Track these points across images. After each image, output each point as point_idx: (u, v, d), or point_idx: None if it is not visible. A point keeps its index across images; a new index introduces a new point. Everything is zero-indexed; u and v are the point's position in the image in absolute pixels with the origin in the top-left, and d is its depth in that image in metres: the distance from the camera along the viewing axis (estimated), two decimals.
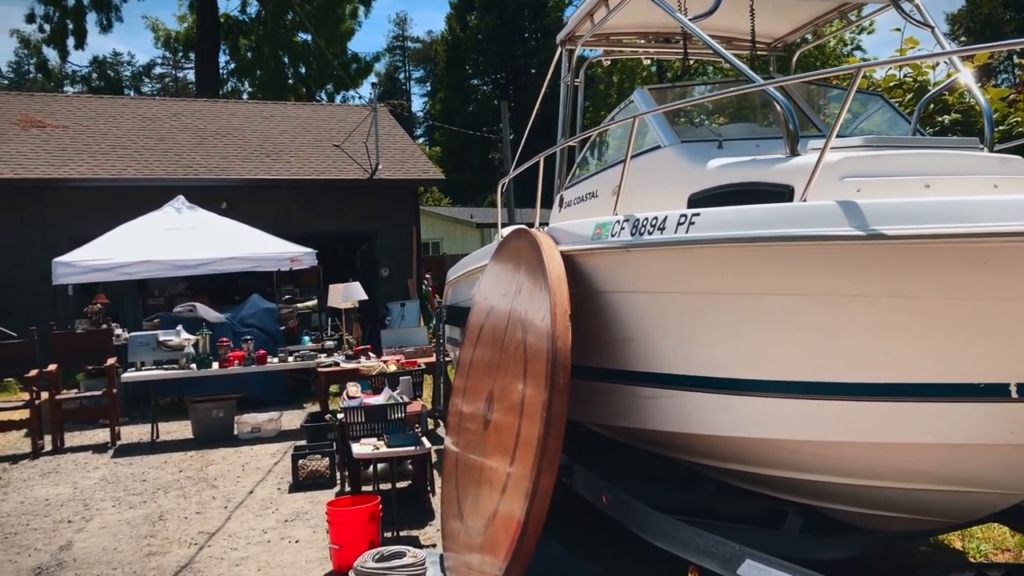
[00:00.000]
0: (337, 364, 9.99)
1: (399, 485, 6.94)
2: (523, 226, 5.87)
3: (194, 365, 9.89)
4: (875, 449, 3.52)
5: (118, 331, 11.80)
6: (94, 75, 38.67)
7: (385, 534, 5.78)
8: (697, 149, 4.87)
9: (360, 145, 19.67)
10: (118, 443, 9.67)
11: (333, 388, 10.22)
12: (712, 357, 3.89)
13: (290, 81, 36.05)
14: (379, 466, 6.71)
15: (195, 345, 10.05)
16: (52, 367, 9.88)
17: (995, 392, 3.12)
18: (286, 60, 35.98)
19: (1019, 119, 7.45)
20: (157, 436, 9.73)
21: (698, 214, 3.71)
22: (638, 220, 4.06)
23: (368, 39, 75.64)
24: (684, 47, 6.32)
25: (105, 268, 11.31)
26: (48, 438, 9.53)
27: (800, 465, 3.89)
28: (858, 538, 4.19)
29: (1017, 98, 7.90)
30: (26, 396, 9.67)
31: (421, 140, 56.78)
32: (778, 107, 4.35)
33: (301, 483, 7.45)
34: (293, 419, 10.33)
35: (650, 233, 3.93)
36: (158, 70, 54.59)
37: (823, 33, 7.01)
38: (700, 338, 3.94)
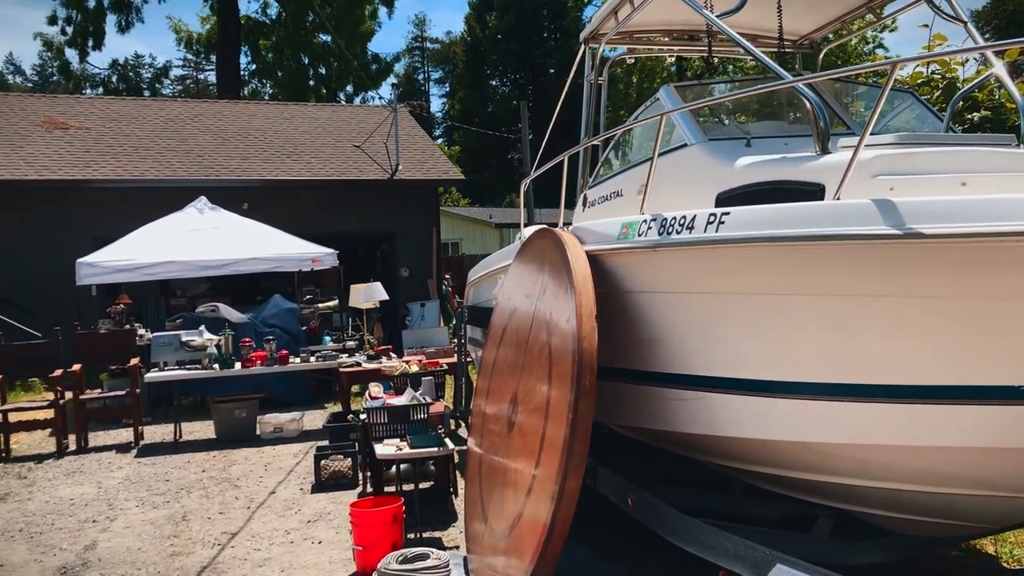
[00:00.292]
0: (359, 364, 9.99)
1: (421, 486, 6.91)
2: (547, 226, 5.83)
3: (217, 365, 9.92)
4: (909, 453, 3.44)
5: (141, 331, 11.86)
6: (113, 78, 38.96)
7: (408, 535, 5.75)
8: (725, 147, 4.81)
9: (380, 146, 19.68)
10: (141, 443, 9.71)
11: (354, 388, 10.21)
12: (742, 358, 3.83)
13: (311, 82, 36.19)
14: (402, 467, 6.69)
15: (218, 345, 10.08)
16: (76, 367, 9.95)
17: None
18: (306, 61, 36.13)
19: None
20: (180, 436, 9.76)
21: (728, 213, 3.65)
22: (666, 219, 4.00)
23: (388, 40, 76.12)
24: (709, 44, 6.25)
25: (128, 269, 11.37)
26: (72, 438, 9.58)
27: (831, 468, 3.82)
28: (890, 543, 4.12)
29: None
30: (51, 396, 9.74)
31: (440, 140, 56.86)
32: (808, 104, 4.28)
33: (323, 483, 7.44)
34: (315, 419, 10.34)
35: (678, 232, 3.88)
36: (179, 72, 55.05)
37: (850, 30, 6.90)
38: (729, 339, 3.88)
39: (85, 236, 14.77)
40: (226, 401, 9.82)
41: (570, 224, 5.73)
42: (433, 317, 17.41)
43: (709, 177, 4.68)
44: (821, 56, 7.31)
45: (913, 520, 3.89)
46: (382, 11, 37.25)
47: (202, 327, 10.71)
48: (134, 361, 10.22)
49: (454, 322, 12.79)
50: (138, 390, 9.96)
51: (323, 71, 36.52)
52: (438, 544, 5.81)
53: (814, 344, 3.50)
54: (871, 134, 3.42)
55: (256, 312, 12.42)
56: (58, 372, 9.62)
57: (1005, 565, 5.06)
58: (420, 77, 71.37)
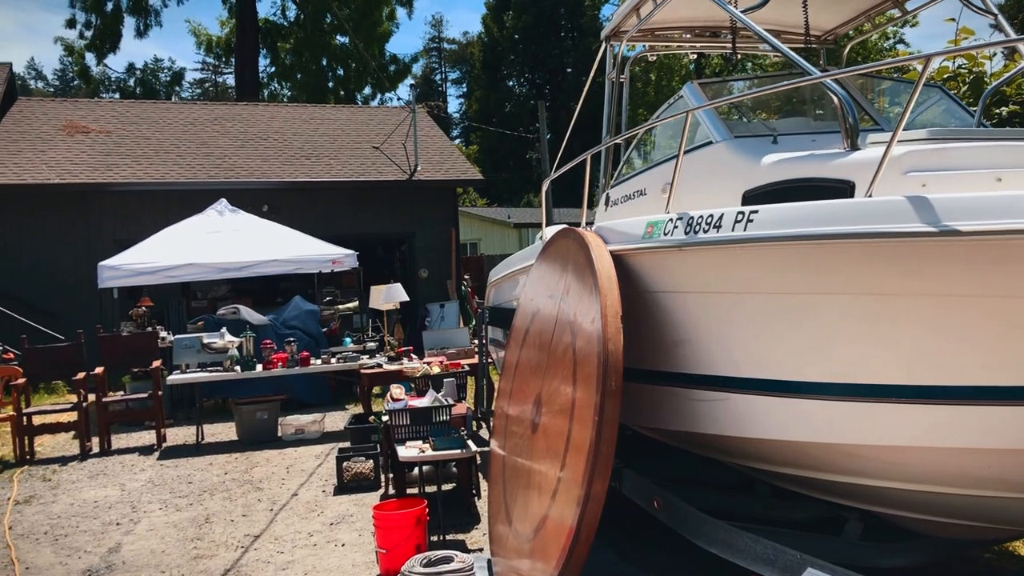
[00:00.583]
0: (380, 366, 9.97)
1: (444, 488, 6.87)
2: (569, 226, 5.78)
3: (238, 367, 9.94)
4: (942, 454, 3.37)
5: (163, 334, 11.91)
6: (130, 82, 39.26)
7: (431, 538, 5.71)
8: (751, 144, 4.75)
9: (399, 147, 19.70)
10: (164, 445, 9.75)
11: (376, 390, 10.20)
12: (770, 359, 3.76)
13: (330, 84, 36.31)
14: (424, 469, 6.66)
15: (239, 347, 10.11)
16: (99, 370, 10.00)
17: None
18: (325, 63, 36.25)
19: None
20: (202, 438, 9.78)
21: (756, 211, 3.59)
22: (692, 218, 3.94)
23: (405, 41, 76.37)
24: (733, 41, 6.18)
25: (150, 271, 11.42)
26: (96, 440, 9.63)
27: (862, 470, 3.75)
28: (922, 545, 4.05)
29: None
30: (74, 398, 9.79)
31: (458, 141, 56.92)
32: (836, 100, 4.21)
33: (346, 485, 7.42)
34: (336, 421, 10.34)
35: (705, 231, 3.82)
36: (198, 75, 55.39)
37: (875, 25, 6.81)
38: (758, 339, 3.81)
39: (107, 239, 14.89)
40: (248, 403, 9.84)
41: (592, 224, 5.68)
42: (452, 318, 17.39)
43: (735, 175, 4.62)
44: (846, 51, 7.22)
45: (944, 523, 3.81)
46: (400, 12, 37.39)
47: (223, 329, 10.74)
48: (156, 363, 10.26)
49: (473, 323, 12.75)
50: (160, 392, 9.99)
51: (341, 73, 36.63)
52: (461, 547, 5.78)
53: (845, 344, 3.43)
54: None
55: (277, 314, 12.45)
56: (81, 375, 9.67)
57: None
58: (438, 78, 71.53)
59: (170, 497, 7.48)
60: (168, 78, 44.47)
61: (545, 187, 8.15)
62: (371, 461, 7.53)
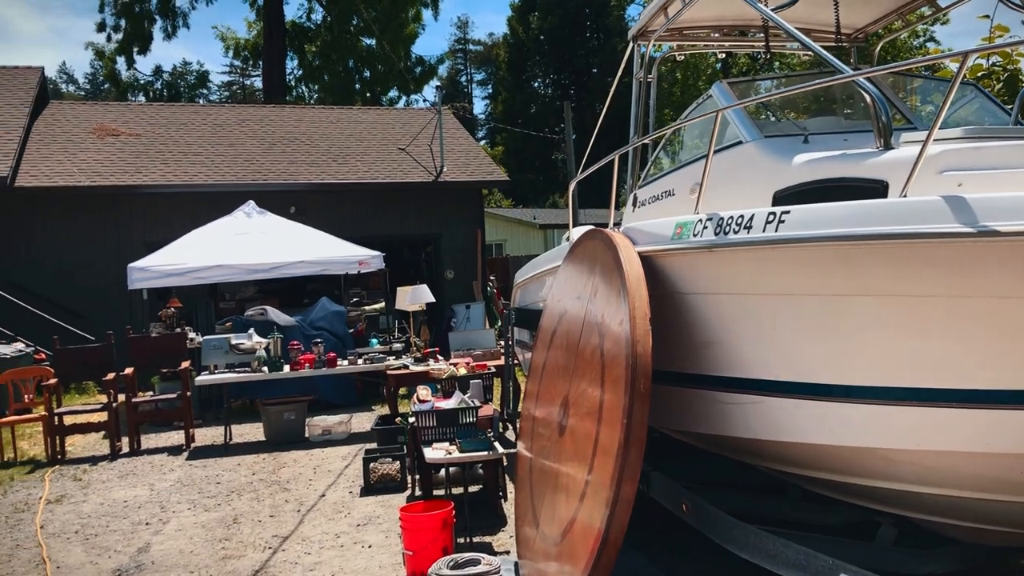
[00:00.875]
0: (406, 367, 9.98)
1: (470, 490, 6.86)
2: (596, 226, 5.74)
3: (266, 368, 9.99)
4: (981, 459, 3.30)
5: (192, 335, 12.01)
6: (157, 85, 39.71)
7: (458, 540, 5.70)
8: (781, 144, 4.69)
9: (425, 148, 19.75)
10: (192, 445, 9.82)
11: (402, 391, 10.21)
12: (803, 361, 3.71)
13: (356, 86, 36.49)
14: (450, 470, 6.65)
15: (267, 348, 10.16)
16: (128, 370, 10.10)
17: None
18: (351, 65, 36.44)
19: None
20: (230, 438, 9.85)
21: (788, 211, 3.54)
22: (722, 219, 3.89)
23: (430, 43, 76.59)
24: (766, 40, 6.11)
25: (178, 273, 11.52)
26: (125, 440, 9.72)
27: (897, 475, 3.69)
28: (955, 551, 3.98)
29: None
30: (104, 399, 9.89)
31: (483, 142, 57.00)
32: (868, 99, 4.15)
33: (372, 487, 7.43)
34: (363, 421, 10.36)
35: (736, 232, 3.77)
36: (226, 78, 55.85)
37: (907, 22, 6.71)
38: (789, 342, 3.76)
39: (136, 241, 15.06)
40: (275, 403, 9.89)
41: (620, 225, 5.65)
42: (478, 319, 17.39)
43: (765, 175, 4.57)
44: (877, 49, 7.13)
45: (982, 529, 3.74)
46: (426, 14, 37.52)
47: (251, 330, 10.81)
48: (185, 364, 10.34)
49: (499, 324, 12.75)
50: (189, 393, 10.07)
51: (368, 75, 36.80)
52: (488, 549, 5.76)
53: (880, 347, 3.37)
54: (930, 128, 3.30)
55: (304, 315, 12.51)
56: (111, 375, 9.76)
57: None
58: (463, 79, 71.66)
59: (199, 497, 7.53)
60: (194, 80, 44.86)
61: (572, 188, 8.12)
62: (398, 462, 7.53)
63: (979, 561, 4.17)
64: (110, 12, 34.15)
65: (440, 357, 10.37)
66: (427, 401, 6.88)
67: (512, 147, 50.91)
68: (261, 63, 37.66)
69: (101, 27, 34.79)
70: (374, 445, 8.09)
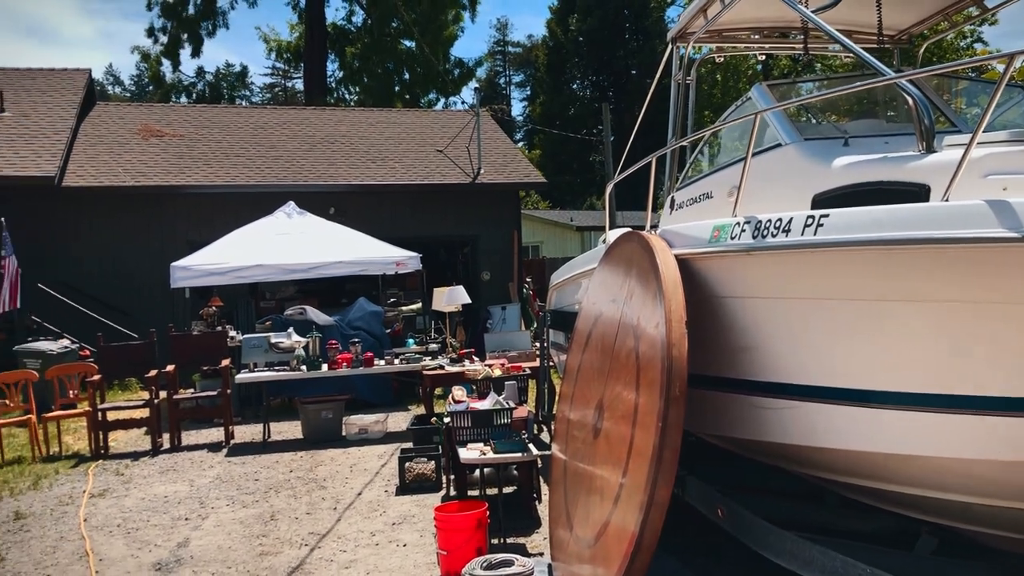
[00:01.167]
0: (442, 367, 10.03)
1: (505, 491, 6.87)
2: (633, 229, 5.73)
3: (304, 367, 10.11)
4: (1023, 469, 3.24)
5: (232, 333, 12.17)
6: (200, 86, 40.33)
7: (492, 541, 5.71)
8: (821, 147, 4.64)
9: (463, 150, 19.82)
10: (232, 442, 9.95)
11: (437, 391, 10.26)
12: (841, 367, 3.67)
13: (395, 88, 36.73)
14: (485, 471, 6.66)
15: (305, 347, 10.27)
16: (170, 368, 10.26)
17: None
18: (391, 67, 36.69)
19: None
20: (268, 436, 9.97)
21: (827, 215, 3.50)
22: (760, 222, 3.86)
23: (469, 45, 76.88)
24: (805, 42, 6.06)
25: (220, 272, 11.68)
26: (166, 436, 9.88)
27: (937, 483, 3.63)
28: (1000, 563, 3.90)
29: None
30: (146, 395, 10.06)
31: (520, 144, 57.04)
32: (910, 101, 4.09)
33: (407, 486, 7.48)
34: (399, 421, 10.43)
35: (774, 235, 3.74)
36: (268, 79, 56.56)
37: (952, 23, 6.60)
38: (828, 347, 3.72)
39: (179, 240, 15.26)
40: (313, 402, 9.99)
41: (657, 227, 5.63)
42: (514, 320, 17.39)
43: (805, 178, 4.52)
44: (922, 51, 7.02)
45: (1022, 539, 3.67)
46: (465, 15, 37.64)
47: (290, 329, 10.92)
48: (225, 362, 10.49)
49: (535, 325, 12.75)
50: (229, 391, 10.21)
51: (407, 77, 37.02)
52: (522, 550, 5.77)
53: (921, 353, 3.33)
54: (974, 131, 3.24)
55: (342, 315, 12.62)
56: (153, 372, 9.93)
57: None
58: (502, 81, 71.79)
59: (237, 494, 7.63)
60: (234, 79, 45.46)
61: (609, 190, 8.10)
62: (433, 462, 7.57)
63: (1020, 573, 4.10)
64: (157, 14, 34.81)
65: (476, 358, 10.40)
66: (462, 402, 6.92)
67: (550, 149, 50.86)
68: (303, 65, 38.06)
69: (150, 32, 35.48)
70: (410, 445, 8.14)
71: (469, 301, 11.78)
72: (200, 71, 40.61)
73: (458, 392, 7.32)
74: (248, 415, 11.40)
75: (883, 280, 3.32)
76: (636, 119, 7.51)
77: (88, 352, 12.52)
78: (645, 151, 6.05)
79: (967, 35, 26.25)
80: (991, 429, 3.20)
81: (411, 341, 11.76)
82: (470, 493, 6.59)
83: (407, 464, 7.57)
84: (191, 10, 34.69)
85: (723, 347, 4.39)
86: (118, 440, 10.30)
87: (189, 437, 10.32)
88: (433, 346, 11.37)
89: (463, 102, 37.81)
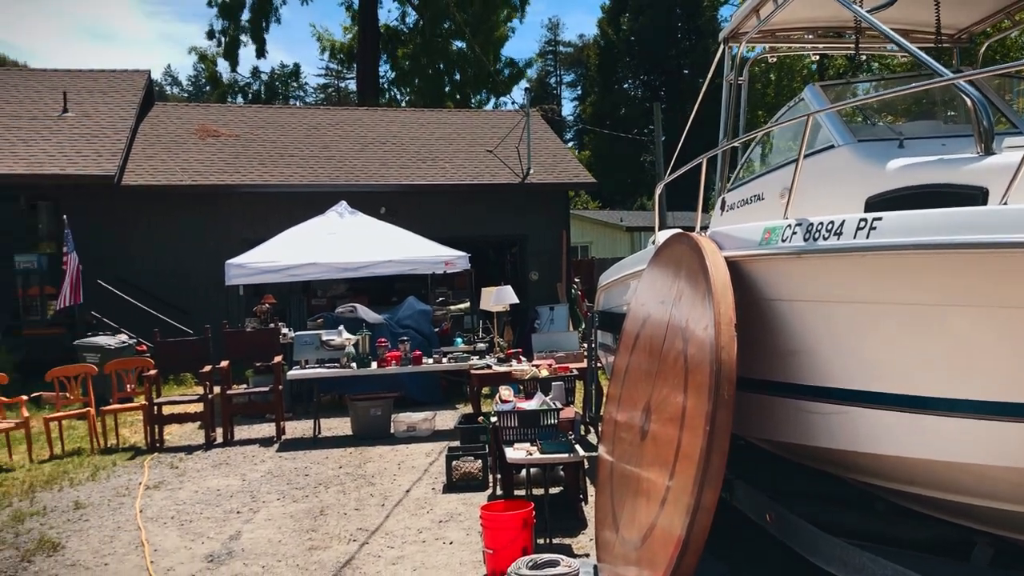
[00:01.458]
0: (489, 367, 10.07)
1: (551, 491, 6.88)
2: (683, 230, 5.70)
3: (354, 364, 10.22)
4: None
5: (284, 330, 12.36)
6: (255, 86, 41.11)
7: (538, 540, 5.73)
8: (876, 148, 4.57)
9: (512, 150, 19.86)
10: (283, 437, 10.10)
11: (485, 390, 10.31)
12: (893, 372, 3.60)
13: (446, 88, 36.96)
14: (531, 471, 6.68)
15: (355, 345, 10.39)
16: (224, 363, 10.46)
17: None
18: (442, 68, 36.93)
19: None
20: (319, 432, 10.11)
21: (880, 218, 3.45)
22: (812, 224, 3.82)
23: (521, 45, 76.94)
24: (856, 42, 5.96)
25: (273, 270, 11.86)
26: (219, 431, 10.07)
27: (993, 493, 3.55)
28: None
29: None
30: (200, 390, 10.28)
31: (571, 144, 56.95)
32: (969, 102, 4.00)
33: (454, 484, 7.52)
34: (446, 419, 10.49)
35: (825, 238, 3.69)
36: (321, 79, 57.31)
37: (1015, 22, 6.44)
38: (880, 352, 3.66)
39: (234, 238, 15.55)
40: (362, 399, 10.10)
41: (707, 228, 5.59)
42: (562, 321, 17.39)
43: (858, 180, 4.46)
44: (982, 50, 6.86)
45: None
46: (517, 15, 37.74)
47: (341, 327, 11.06)
48: (277, 359, 10.66)
49: (583, 326, 12.73)
50: (281, 387, 10.37)
51: (458, 77, 37.23)
52: (568, 551, 5.77)
53: (977, 360, 3.26)
54: None
55: (392, 313, 12.73)
56: (207, 368, 10.13)
57: None
58: (552, 81, 71.76)
59: (287, 488, 7.76)
60: (287, 78, 46.20)
61: (659, 190, 8.06)
62: (479, 461, 7.60)
63: None
64: (216, 15, 35.56)
65: (523, 358, 10.42)
66: (509, 401, 6.94)
67: (600, 149, 50.76)
68: (355, 66, 38.51)
69: (211, 34, 36.26)
70: (457, 443, 8.19)
71: (517, 301, 11.80)
72: (256, 71, 41.41)
73: (505, 392, 7.36)
74: (299, 411, 11.57)
75: (938, 285, 3.26)
76: (687, 119, 7.45)
77: (145, 347, 12.84)
78: (696, 151, 6.01)
79: None
80: None
81: (459, 340, 11.82)
82: (516, 493, 6.62)
83: (454, 462, 7.61)
84: (247, 13, 35.33)
85: (773, 350, 4.35)
86: (173, 434, 10.53)
87: (241, 432, 10.50)
88: (481, 345, 11.43)
89: (513, 102, 38.02)
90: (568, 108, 69.82)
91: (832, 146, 4.87)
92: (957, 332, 3.28)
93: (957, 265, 3.14)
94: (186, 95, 65.47)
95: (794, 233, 3.94)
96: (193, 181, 16.90)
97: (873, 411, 3.78)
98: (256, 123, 20.32)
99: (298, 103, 44.74)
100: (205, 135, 19.00)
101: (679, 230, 5.85)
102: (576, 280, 18.19)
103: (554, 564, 4.88)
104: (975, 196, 3.69)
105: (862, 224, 3.50)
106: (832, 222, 3.69)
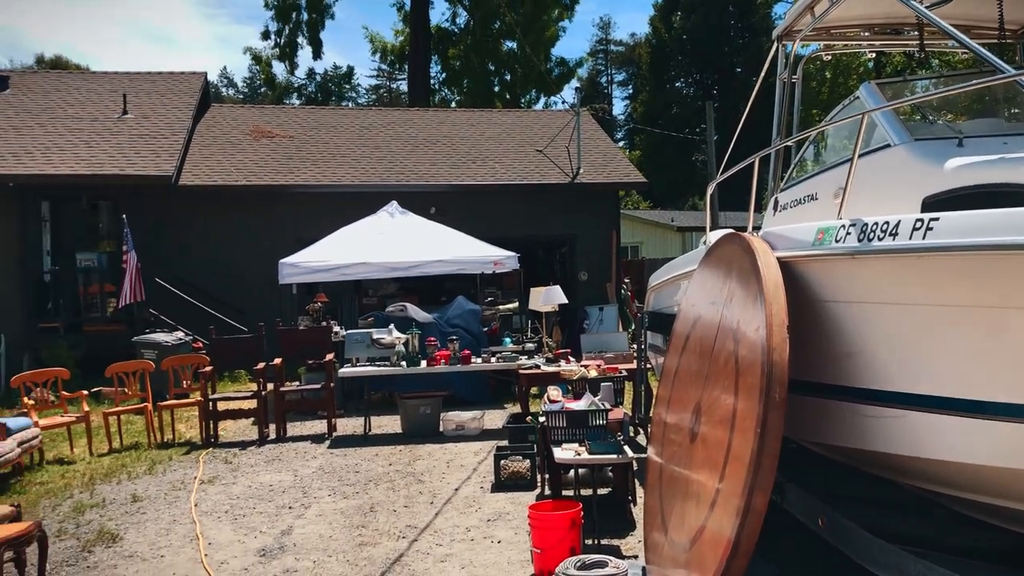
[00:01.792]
0: (538, 367, 10.08)
1: (599, 492, 6.85)
2: (734, 230, 5.64)
3: (404, 363, 10.31)
4: None
5: (336, 328, 12.52)
6: (310, 87, 41.73)
7: (586, 541, 5.72)
8: (933, 147, 4.47)
9: (562, 149, 19.84)
10: (334, 434, 10.24)
11: (533, 390, 10.32)
12: (953, 376, 3.52)
13: (496, 88, 37.07)
14: (580, 472, 6.67)
15: (405, 344, 10.47)
16: (277, 361, 10.64)
17: None
18: (492, 68, 37.05)
19: None
20: (369, 429, 10.21)
21: (937, 218, 3.37)
22: (866, 224, 3.75)
23: (572, 44, 76.79)
24: (920, 38, 5.83)
25: (325, 269, 12.02)
26: (272, 427, 10.23)
27: None
28: None
29: None
30: (254, 387, 10.46)
31: (622, 143, 56.67)
32: None
33: (503, 483, 7.55)
34: (495, 419, 10.52)
35: (880, 239, 3.62)
36: (371, 81, 57.87)
37: None
38: (938, 355, 3.58)
39: (288, 238, 15.77)
40: (412, 397, 10.19)
41: (759, 229, 5.52)
42: (611, 321, 17.32)
43: (915, 180, 4.36)
44: None
45: None
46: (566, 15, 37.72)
47: (391, 326, 11.16)
48: (329, 356, 10.81)
49: (633, 327, 12.67)
50: (332, 384, 10.50)
51: (508, 77, 37.31)
52: (616, 552, 5.75)
53: None
54: None
55: (441, 312, 12.82)
56: (261, 365, 10.30)
57: None
58: (603, 80, 71.48)
59: (338, 485, 7.85)
60: (347, 85, 46.80)
61: (711, 190, 7.98)
62: (528, 461, 7.62)
63: None
64: (272, 18, 36.18)
65: (572, 358, 10.41)
66: (558, 401, 6.93)
67: (651, 148, 50.41)
68: (407, 67, 38.84)
69: (265, 35, 36.92)
70: (505, 442, 8.22)
71: (566, 301, 11.79)
72: (311, 72, 42.03)
73: (553, 392, 7.35)
74: (350, 408, 11.70)
75: (999, 287, 3.18)
76: (740, 118, 7.37)
77: (201, 344, 13.09)
78: (749, 151, 5.93)
79: None
80: None
81: (508, 340, 11.85)
82: (564, 493, 6.61)
83: (502, 462, 7.64)
84: (303, 15, 35.88)
85: (826, 352, 4.28)
86: (227, 429, 10.73)
87: (294, 428, 10.66)
88: (529, 345, 11.44)
89: (564, 101, 37.91)
90: (619, 107, 69.53)
91: (888, 145, 4.78)
92: (1019, 335, 3.20)
93: (1018, 266, 3.06)
94: (241, 96, 66.60)
95: (848, 233, 3.87)
96: (248, 181, 17.19)
97: (932, 415, 3.69)
98: (309, 124, 20.60)
99: (350, 104, 45.22)
100: (259, 136, 19.31)
101: (731, 230, 5.79)
102: (626, 280, 18.09)
103: (602, 565, 4.87)
104: None
105: (918, 224, 3.43)
106: (887, 222, 3.62)
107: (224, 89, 69.39)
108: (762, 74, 6.80)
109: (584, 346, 11.29)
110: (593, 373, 7.98)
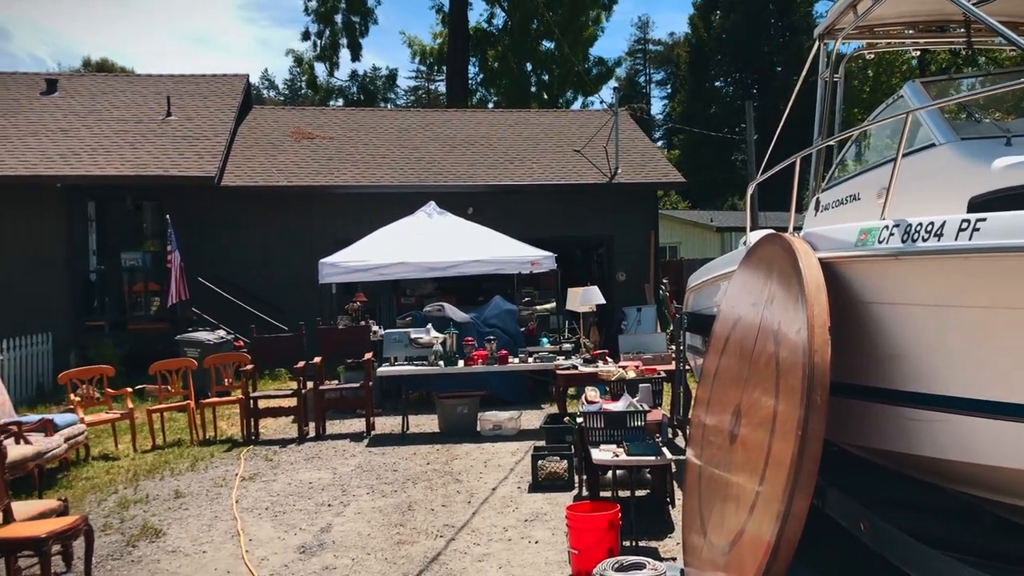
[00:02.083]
0: (575, 367, 10.07)
1: (637, 493, 6.83)
2: (775, 231, 5.58)
3: (441, 362, 10.36)
4: None
5: (375, 328, 12.61)
6: (353, 89, 42.04)
7: (624, 543, 5.70)
8: (980, 147, 4.39)
9: (600, 149, 19.78)
10: (372, 433, 10.31)
11: (571, 391, 10.30)
12: (1001, 379, 3.45)
13: (533, 89, 37.06)
14: (618, 473, 6.65)
15: (443, 343, 10.52)
16: (317, 360, 10.74)
17: None
18: (529, 68, 37.06)
19: None
20: (407, 428, 10.27)
21: (983, 219, 3.32)
22: (910, 225, 3.69)
23: (610, 44, 76.53)
24: (968, 35, 5.72)
25: (364, 269, 12.12)
26: (312, 425, 10.33)
27: None
28: None
29: None
30: (294, 385, 10.58)
31: (660, 143, 56.36)
32: None
33: (540, 484, 7.55)
34: (532, 419, 10.52)
35: (924, 240, 3.57)
36: (410, 82, 58.12)
37: None
38: (986, 358, 3.51)
39: (328, 238, 15.91)
40: (450, 397, 10.23)
41: (800, 229, 5.46)
42: (650, 322, 17.23)
43: (960, 180, 4.29)
44: None
45: None
46: (603, 15, 37.59)
47: (429, 325, 11.22)
48: (368, 356, 10.89)
49: (671, 328, 12.60)
50: (371, 383, 10.58)
51: (546, 77, 37.29)
52: (654, 554, 5.73)
53: None
54: None
55: (478, 312, 12.85)
56: (301, 364, 10.41)
57: None
58: (641, 79, 71.13)
59: (377, 483, 7.91)
60: (382, 82, 46.97)
61: (751, 190, 7.92)
62: (565, 461, 7.61)
63: None
64: (312, 20, 36.55)
65: (609, 359, 10.38)
66: (595, 402, 6.92)
67: (690, 148, 50.07)
68: (445, 68, 38.98)
69: (305, 36, 37.30)
70: (542, 443, 8.21)
71: (603, 302, 11.75)
72: (353, 74, 42.38)
73: (591, 393, 7.33)
74: (388, 407, 11.78)
75: None
76: (780, 117, 7.29)
77: (242, 343, 13.28)
78: (789, 150, 5.88)
79: None
80: None
81: (545, 340, 11.85)
82: (602, 494, 6.59)
83: (540, 462, 7.64)
84: (342, 17, 36.20)
85: (869, 355, 4.22)
86: (268, 427, 10.86)
87: (333, 426, 10.75)
88: (567, 346, 11.42)
89: (602, 101, 37.64)
90: (657, 107, 69.11)
91: (932, 144, 4.70)
92: None
93: None
94: (282, 98, 67.36)
95: (891, 234, 3.82)
96: (289, 182, 17.38)
97: (980, 420, 3.63)
98: (349, 125, 20.78)
99: (390, 106, 45.52)
100: (300, 137, 19.52)
101: (771, 231, 5.73)
102: (664, 281, 18.00)
103: (640, 567, 4.85)
104: None
105: (964, 225, 3.37)
106: (932, 223, 3.56)
107: (265, 91, 70.24)
108: (803, 73, 6.73)
109: (622, 347, 11.25)
110: (631, 374, 7.96)
